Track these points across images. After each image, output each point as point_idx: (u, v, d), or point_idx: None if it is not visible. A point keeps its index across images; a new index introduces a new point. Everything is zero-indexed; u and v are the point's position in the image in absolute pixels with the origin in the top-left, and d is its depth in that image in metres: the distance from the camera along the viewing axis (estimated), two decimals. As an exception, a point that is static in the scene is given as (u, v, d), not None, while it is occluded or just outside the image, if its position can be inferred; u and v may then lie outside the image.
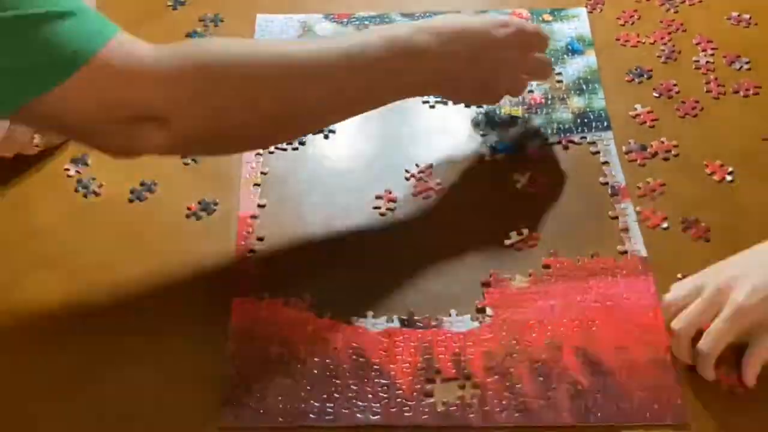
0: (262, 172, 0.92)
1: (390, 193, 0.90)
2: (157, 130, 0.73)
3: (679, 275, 0.81)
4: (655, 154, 0.93)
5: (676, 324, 0.75)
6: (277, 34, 1.07)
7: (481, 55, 0.85)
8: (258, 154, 0.94)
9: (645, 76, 1.02)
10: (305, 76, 0.78)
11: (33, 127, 0.86)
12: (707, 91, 1.00)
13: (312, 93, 0.78)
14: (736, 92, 0.99)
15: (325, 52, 0.79)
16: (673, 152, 0.93)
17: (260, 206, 0.89)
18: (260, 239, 0.86)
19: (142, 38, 0.73)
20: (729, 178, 0.90)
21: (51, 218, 0.88)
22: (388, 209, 0.89)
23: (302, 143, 0.95)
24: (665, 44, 1.05)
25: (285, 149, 0.95)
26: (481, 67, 0.86)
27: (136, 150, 0.75)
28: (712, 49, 1.04)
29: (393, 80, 0.82)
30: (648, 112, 0.97)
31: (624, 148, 0.93)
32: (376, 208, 0.89)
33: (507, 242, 0.85)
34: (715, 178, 0.90)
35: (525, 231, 0.86)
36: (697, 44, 1.05)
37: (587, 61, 1.03)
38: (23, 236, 0.87)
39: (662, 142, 0.94)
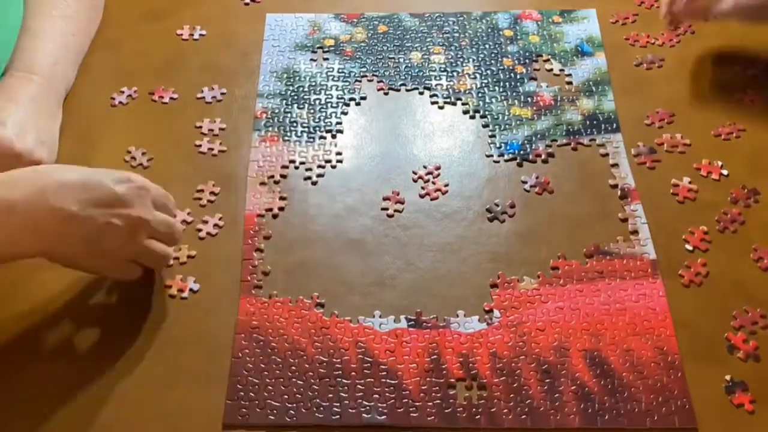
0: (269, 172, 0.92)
1: (398, 194, 0.90)
2: None
3: (680, 272, 0.82)
4: (661, 144, 0.94)
5: None
6: (286, 33, 1.07)
7: (94, 214, 0.71)
8: (265, 153, 0.94)
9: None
10: None
11: None
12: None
13: None
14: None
15: None
16: (679, 149, 0.93)
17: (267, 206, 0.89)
18: (267, 238, 0.86)
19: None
20: (725, 172, 0.91)
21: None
22: (396, 211, 0.89)
23: (310, 143, 0.95)
24: (673, 45, 1.05)
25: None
26: (97, 228, 0.71)
27: None
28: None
29: None
30: (656, 113, 0.97)
31: (633, 151, 0.93)
32: (384, 209, 0.89)
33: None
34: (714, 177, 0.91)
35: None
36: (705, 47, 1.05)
37: (597, 62, 1.03)
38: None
39: (672, 137, 0.94)
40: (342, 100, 1.00)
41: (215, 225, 0.87)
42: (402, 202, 0.89)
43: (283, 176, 0.92)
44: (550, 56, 1.04)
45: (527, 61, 1.04)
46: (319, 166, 0.93)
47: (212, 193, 0.90)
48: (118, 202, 0.72)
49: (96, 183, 0.72)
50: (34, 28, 0.96)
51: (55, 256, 0.74)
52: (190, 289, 0.82)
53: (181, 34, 1.06)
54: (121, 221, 0.72)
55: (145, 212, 0.74)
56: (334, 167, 0.93)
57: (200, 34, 1.07)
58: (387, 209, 0.89)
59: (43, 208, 0.70)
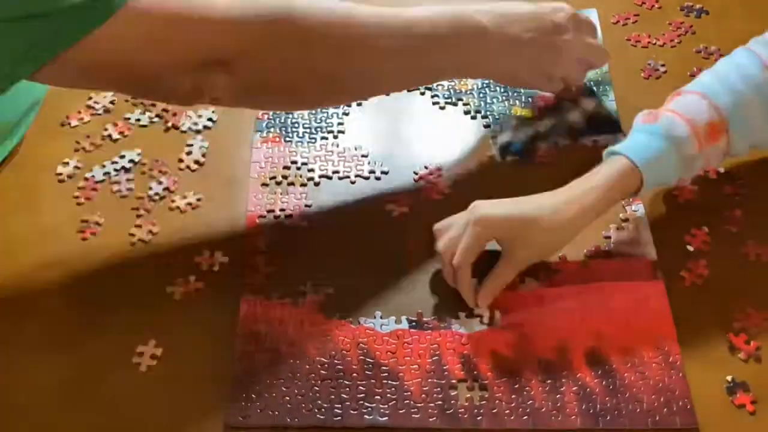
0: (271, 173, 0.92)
1: (402, 195, 0.90)
2: (223, 75, 0.75)
3: (681, 273, 0.82)
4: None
5: (438, 245, 0.81)
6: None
7: (541, 39, 0.87)
8: (266, 153, 0.94)
9: (656, 76, 1.01)
10: (365, 39, 0.80)
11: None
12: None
13: (369, 58, 0.81)
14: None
15: (388, 19, 0.81)
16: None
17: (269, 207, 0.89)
18: (268, 239, 0.86)
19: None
20: (722, 170, 0.91)
21: (57, 219, 0.88)
22: (401, 213, 0.88)
23: (312, 143, 0.95)
24: (674, 46, 1.05)
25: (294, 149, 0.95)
26: (540, 52, 0.88)
27: (201, 97, 0.78)
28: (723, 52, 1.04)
29: (451, 56, 0.85)
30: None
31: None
32: (388, 210, 0.89)
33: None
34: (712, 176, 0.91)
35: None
36: (706, 48, 1.05)
37: (598, 63, 1.03)
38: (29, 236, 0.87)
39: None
40: (343, 101, 1.00)
41: (217, 226, 0.88)
42: (409, 205, 0.89)
43: (285, 177, 0.92)
44: (551, 56, 1.04)
45: (528, 61, 1.04)
46: (321, 167, 0.93)
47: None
48: (556, 29, 0.88)
49: (539, 15, 0.88)
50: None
51: (504, 76, 0.93)
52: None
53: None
54: (558, 44, 0.89)
55: (577, 37, 0.90)
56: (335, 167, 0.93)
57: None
58: (392, 211, 0.89)
59: (502, 34, 0.85)
